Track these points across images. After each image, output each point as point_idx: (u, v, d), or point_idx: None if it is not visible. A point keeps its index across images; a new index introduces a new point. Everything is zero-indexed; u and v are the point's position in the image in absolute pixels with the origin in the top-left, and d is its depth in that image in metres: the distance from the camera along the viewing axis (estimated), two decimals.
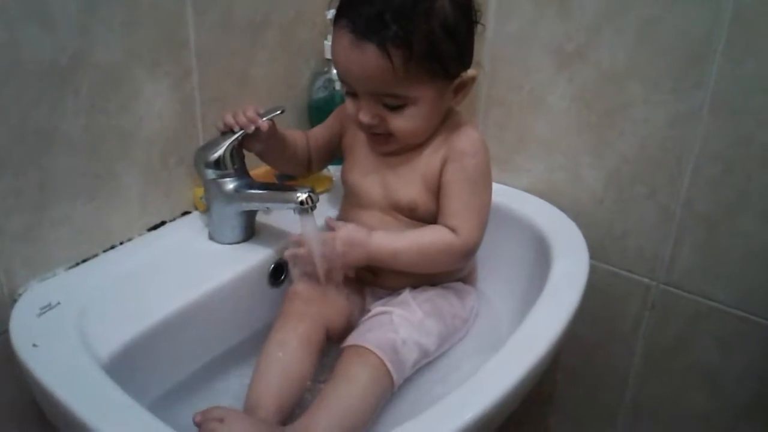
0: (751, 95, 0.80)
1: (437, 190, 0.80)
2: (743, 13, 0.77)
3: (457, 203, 0.79)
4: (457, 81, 0.77)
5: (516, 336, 0.71)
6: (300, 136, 0.89)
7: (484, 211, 0.81)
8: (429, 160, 0.81)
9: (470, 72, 0.78)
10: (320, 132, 0.91)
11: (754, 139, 0.81)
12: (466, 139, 0.80)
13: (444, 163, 0.79)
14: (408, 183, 0.81)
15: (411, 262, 0.80)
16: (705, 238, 0.89)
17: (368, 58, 0.72)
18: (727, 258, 0.88)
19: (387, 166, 0.83)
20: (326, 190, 0.97)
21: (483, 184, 0.81)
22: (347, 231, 0.78)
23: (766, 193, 0.83)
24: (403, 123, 0.77)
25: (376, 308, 0.80)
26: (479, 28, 0.79)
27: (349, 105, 0.79)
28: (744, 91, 0.80)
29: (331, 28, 0.95)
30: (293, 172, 0.92)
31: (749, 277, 0.88)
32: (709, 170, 0.85)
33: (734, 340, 0.92)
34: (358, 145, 0.85)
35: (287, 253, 0.79)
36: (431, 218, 0.82)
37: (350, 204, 0.86)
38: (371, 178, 0.83)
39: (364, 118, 0.77)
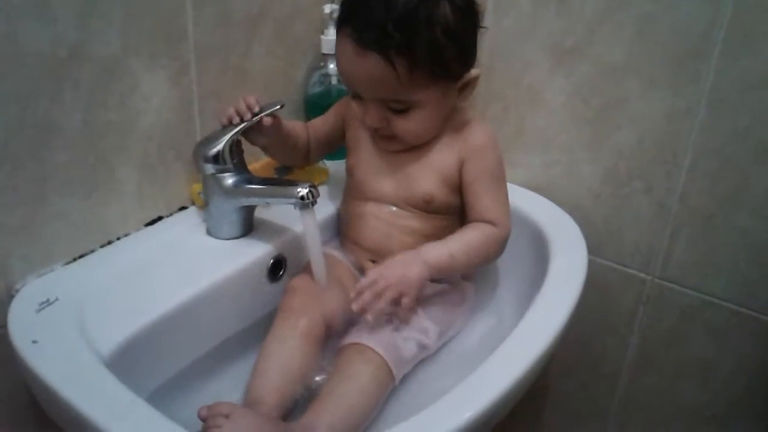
0: (748, 91, 0.80)
1: (456, 185, 0.82)
2: (742, 10, 0.78)
3: (489, 198, 0.81)
4: (461, 81, 0.78)
5: (517, 332, 0.71)
6: (301, 129, 0.88)
7: (508, 197, 0.83)
8: (443, 155, 0.81)
9: (474, 71, 0.78)
10: (320, 124, 0.91)
11: (750, 134, 0.82)
12: (480, 135, 0.82)
13: (462, 161, 0.81)
14: (422, 176, 0.82)
15: (466, 261, 0.80)
16: (700, 232, 0.90)
17: (372, 66, 0.72)
18: (722, 252, 0.89)
19: (397, 160, 0.83)
20: (322, 183, 0.97)
21: (503, 174, 0.83)
22: (391, 259, 0.76)
23: (762, 188, 0.84)
24: (408, 125, 0.78)
25: None
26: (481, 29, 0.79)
27: (355, 107, 0.80)
28: (741, 86, 0.81)
29: (328, 22, 0.96)
30: (292, 163, 0.93)
31: (744, 272, 0.89)
32: (706, 165, 0.86)
33: (728, 333, 0.93)
34: (364, 140, 0.85)
35: (356, 307, 0.73)
36: (446, 209, 0.83)
37: (356, 198, 0.86)
38: (380, 172, 0.84)
39: (371, 122, 0.78)
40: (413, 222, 0.83)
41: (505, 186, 0.83)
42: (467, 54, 0.77)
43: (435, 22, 0.72)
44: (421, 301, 0.80)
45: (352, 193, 0.87)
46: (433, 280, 0.83)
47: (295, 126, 0.87)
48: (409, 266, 0.75)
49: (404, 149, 0.82)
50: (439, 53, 0.73)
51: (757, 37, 0.78)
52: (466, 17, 0.75)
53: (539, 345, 0.69)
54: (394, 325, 0.77)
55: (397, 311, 0.76)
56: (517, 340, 0.69)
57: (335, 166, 0.98)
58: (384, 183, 0.84)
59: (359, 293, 0.73)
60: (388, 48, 0.71)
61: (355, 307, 0.73)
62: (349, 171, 0.88)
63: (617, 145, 0.91)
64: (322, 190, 0.94)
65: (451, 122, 0.82)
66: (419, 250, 0.78)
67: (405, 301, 0.74)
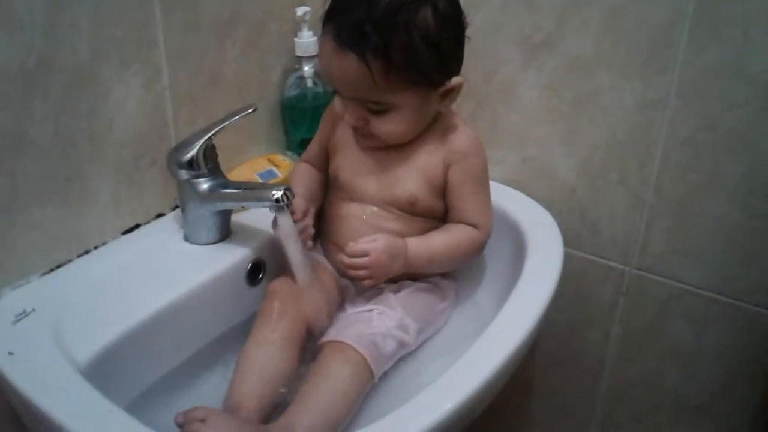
0: (717, 80, 0.81)
1: (441, 189, 0.83)
2: None
3: (473, 203, 0.83)
4: (442, 88, 0.78)
5: (492, 326, 0.71)
6: (316, 176, 0.91)
7: (490, 200, 0.85)
8: (428, 158, 0.82)
9: (456, 79, 0.78)
10: (317, 151, 0.91)
11: (720, 122, 0.83)
12: (465, 139, 0.82)
13: (448, 165, 0.82)
14: (406, 178, 0.82)
15: (444, 263, 0.83)
16: (676, 222, 0.90)
17: (348, 66, 0.73)
18: (697, 241, 0.90)
19: (382, 161, 0.83)
20: None
21: (487, 178, 0.85)
22: (386, 240, 0.78)
23: (735, 175, 0.84)
24: (385, 127, 0.78)
25: (356, 307, 0.81)
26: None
27: (337, 103, 0.80)
28: (709, 75, 0.81)
29: (302, 24, 0.96)
30: None
31: (720, 259, 0.89)
32: (678, 155, 0.87)
33: (707, 321, 0.93)
34: (350, 141, 0.85)
35: (352, 273, 0.78)
36: (429, 213, 0.84)
37: (340, 198, 0.86)
38: (365, 173, 0.84)
39: (349, 120, 0.79)
40: (395, 224, 0.83)
41: (489, 190, 0.85)
42: (447, 62, 0.77)
43: (413, 27, 0.72)
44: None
45: (335, 194, 0.87)
46: (414, 279, 0.84)
47: (316, 180, 0.90)
48: (394, 260, 0.78)
49: (386, 147, 0.82)
50: (416, 59, 0.73)
51: (723, 25, 0.78)
52: (448, 25, 0.75)
53: (516, 338, 0.69)
54: (374, 324, 0.77)
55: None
56: (493, 334, 0.70)
57: None
58: (368, 184, 0.84)
59: (350, 255, 0.77)
60: (365, 49, 0.72)
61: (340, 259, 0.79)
62: (334, 172, 0.87)
63: (591, 138, 0.91)
64: None
65: (436, 125, 0.82)
66: (406, 245, 0.79)
67: (368, 283, 0.78)
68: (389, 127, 0.78)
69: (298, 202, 0.80)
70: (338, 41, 0.73)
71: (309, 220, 0.81)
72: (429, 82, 0.76)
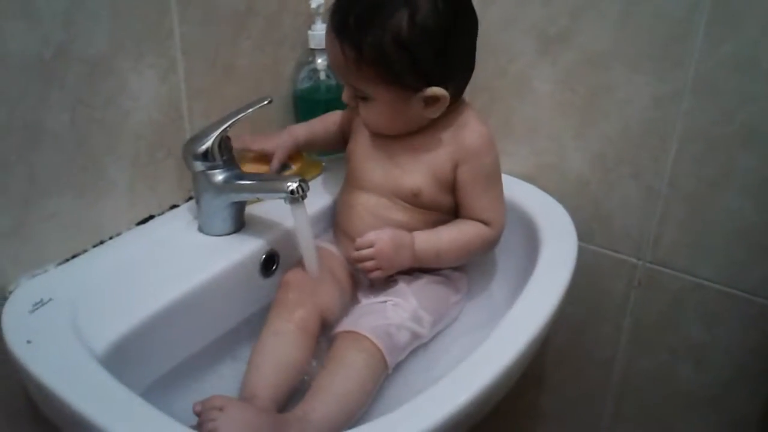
0: (733, 74, 0.81)
1: (448, 185, 0.83)
2: None
3: (485, 200, 0.83)
4: (421, 94, 0.78)
5: (507, 319, 0.71)
6: (331, 123, 0.95)
7: (503, 195, 0.85)
8: (437, 153, 0.82)
9: (435, 89, 0.77)
10: (341, 117, 0.95)
11: (735, 117, 0.82)
12: (476, 137, 0.82)
13: (456, 163, 0.82)
14: (412, 170, 0.82)
15: (452, 258, 0.84)
16: (689, 215, 0.90)
17: (333, 50, 0.78)
18: (711, 235, 0.90)
19: (390, 151, 0.84)
20: (314, 177, 0.97)
21: (499, 174, 0.85)
22: (392, 232, 0.80)
23: (749, 170, 0.84)
24: (367, 114, 0.81)
25: (370, 298, 0.82)
26: None
27: None
28: (725, 70, 0.81)
29: (315, 17, 0.96)
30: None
31: (733, 253, 0.89)
32: (693, 149, 0.86)
33: (719, 315, 0.93)
34: (363, 127, 0.86)
35: (361, 266, 0.80)
36: (434, 206, 0.84)
37: (351, 185, 0.87)
38: (372, 161, 0.85)
39: (343, 97, 0.82)
40: (400, 215, 0.83)
41: (501, 185, 0.85)
42: (422, 69, 0.76)
43: (387, 28, 0.74)
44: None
45: (348, 181, 0.88)
46: (427, 271, 0.85)
47: (325, 124, 0.95)
48: (400, 251, 0.79)
49: (394, 138, 0.83)
50: (385, 58, 0.75)
51: (740, 20, 0.78)
52: (425, 34, 0.75)
53: (530, 331, 0.70)
54: (388, 314, 0.77)
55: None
56: (507, 327, 0.70)
57: (330, 161, 1.00)
58: (375, 172, 0.84)
59: (357, 248, 0.80)
60: (344, 39, 0.76)
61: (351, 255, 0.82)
62: (347, 155, 0.89)
63: (605, 131, 0.91)
64: (316, 184, 0.95)
65: (448, 119, 0.82)
66: (413, 239, 0.80)
67: (376, 274, 0.80)
68: (370, 115, 0.81)
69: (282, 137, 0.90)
70: (330, 25, 0.78)
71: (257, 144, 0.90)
72: (401, 83, 0.77)
